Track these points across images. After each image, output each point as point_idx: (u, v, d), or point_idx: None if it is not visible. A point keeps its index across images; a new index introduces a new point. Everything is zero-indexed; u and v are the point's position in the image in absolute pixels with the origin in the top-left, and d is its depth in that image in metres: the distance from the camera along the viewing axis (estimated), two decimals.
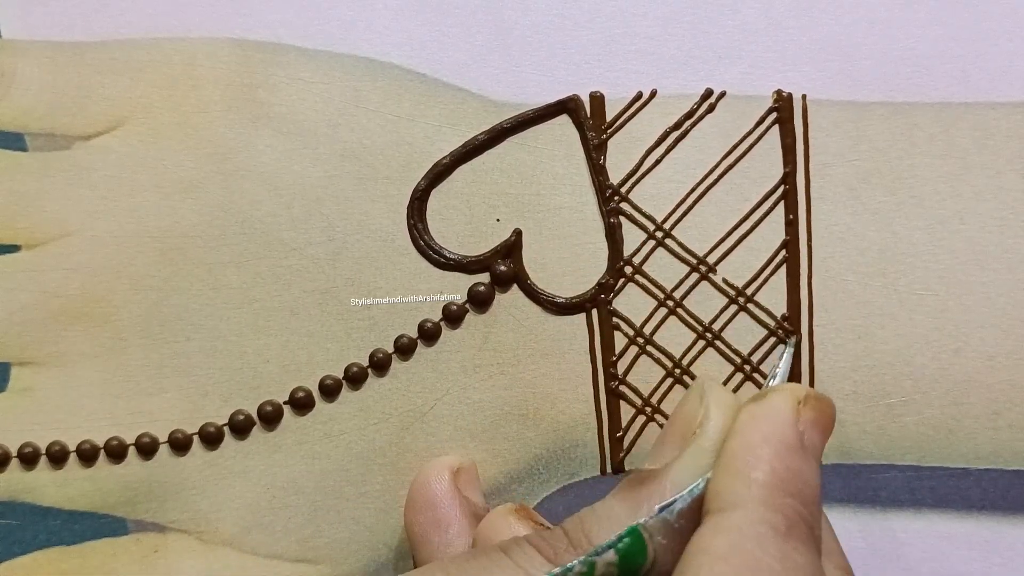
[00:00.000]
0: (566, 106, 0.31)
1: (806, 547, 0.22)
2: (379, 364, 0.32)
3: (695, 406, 0.25)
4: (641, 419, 0.32)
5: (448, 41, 0.31)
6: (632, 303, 0.32)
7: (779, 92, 0.31)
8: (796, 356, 0.31)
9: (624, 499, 0.24)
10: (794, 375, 0.31)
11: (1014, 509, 0.32)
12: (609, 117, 0.31)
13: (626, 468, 0.32)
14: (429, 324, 0.32)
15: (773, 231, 0.31)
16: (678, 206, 0.31)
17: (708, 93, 0.31)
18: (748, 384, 0.32)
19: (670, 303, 0.32)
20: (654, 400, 0.32)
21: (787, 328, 0.31)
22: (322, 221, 0.32)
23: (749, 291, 0.31)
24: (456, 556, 0.24)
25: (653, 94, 0.31)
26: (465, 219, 0.32)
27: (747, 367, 0.32)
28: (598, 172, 0.31)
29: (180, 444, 0.32)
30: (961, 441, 0.32)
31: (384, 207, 0.32)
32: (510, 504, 0.29)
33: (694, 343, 0.32)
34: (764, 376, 0.32)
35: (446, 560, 0.24)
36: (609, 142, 0.31)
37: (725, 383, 0.32)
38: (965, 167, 0.31)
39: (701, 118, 0.31)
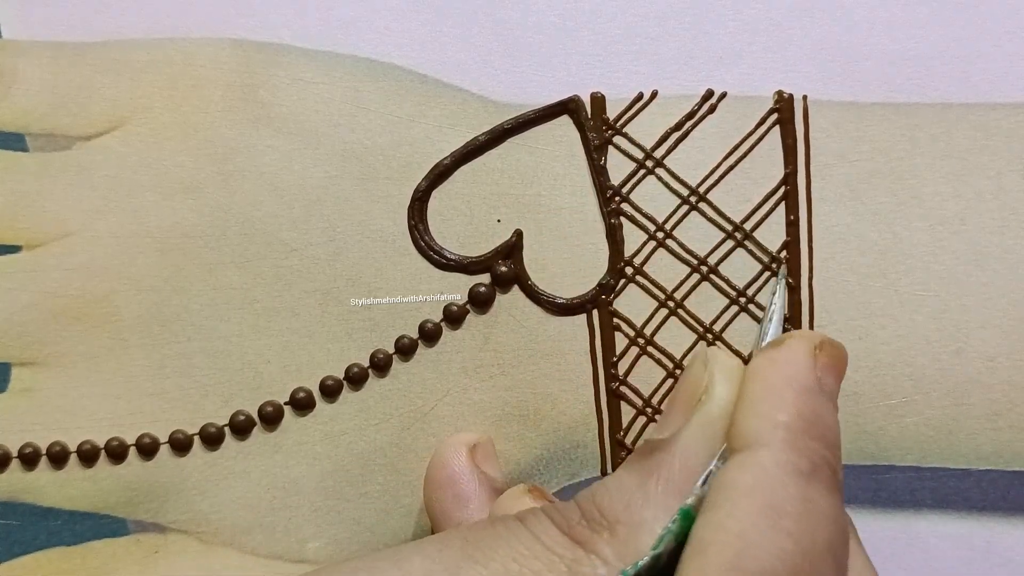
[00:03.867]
0: (567, 107, 0.31)
1: (828, 490, 0.22)
2: (380, 364, 0.32)
3: (699, 373, 0.25)
4: (642, 420, 0.32)
5: (449, 42, 0.31)
6: (633, 304, 0.32)
7: (780, 93, 0.31)
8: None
9: (634, 470, 0.24)
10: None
11: (1014, 510, 0.32)
12: (610, 118, 0.31)
13: None
14: (430, 325, 0.32)
15: (774, 232, 0.31)
16: (679, 207, 0.31)
17: (709, 94, 0.31)
18: None
19: (671, 304, 0.32)
20: (655, 401, 0.32)
21: (775, 257, 0.31)
22: (323, 221, 0.32)
23: (750, 292, 0.31)
24: (474, 524, 0.24)
25: (654, 95, 0.31)
26: (466, 220, 0.32)
27: None
28: (599, 173, 0.31)
29: (181, 444, 0.32)
30: (962, 442, 0.32)
31: (385, 207, 0.32)
32: (524, 484, 0.29)
33: (695, 344, 0.32)
34: None
35: (463, 527, 0.24)
36: (610, 143, 0.31)
37: None
38: (966, 168, 0.31)
39: (702, 119, 0.31)
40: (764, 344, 0.28)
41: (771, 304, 0.31)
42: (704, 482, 0.23)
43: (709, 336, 0.32)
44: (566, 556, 0.22)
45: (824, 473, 0.22)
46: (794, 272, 0.31)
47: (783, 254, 0.31)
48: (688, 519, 0.22)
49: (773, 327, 0.30)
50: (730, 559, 0.20)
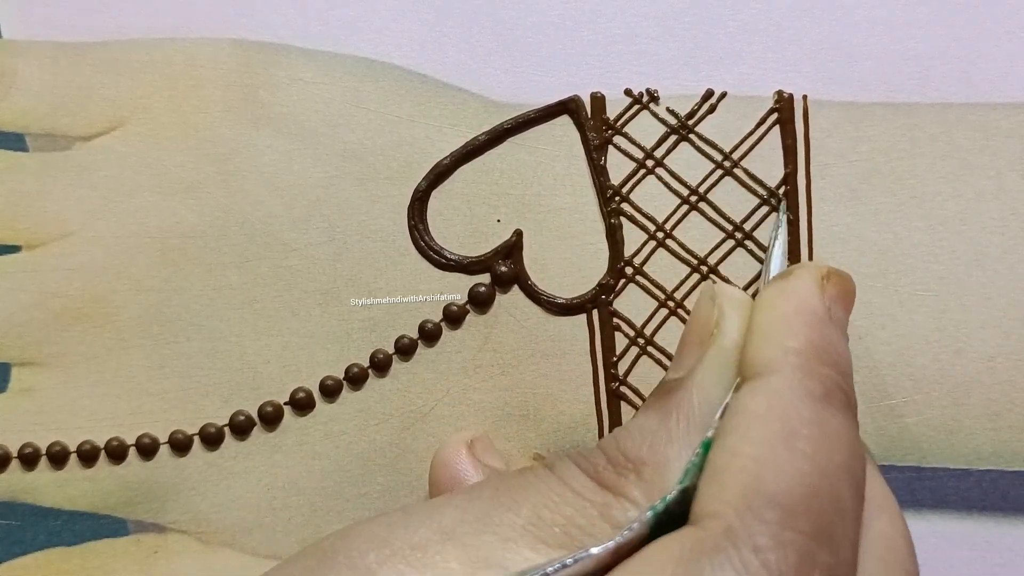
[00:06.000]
0: (567, 107, 0.31)
1: (843, 414, 0.22)
2: (380, 365, 0.32)
3: (708, 309, 0.25)
4: None
5: (449, 42, 0.31)
6: (633, 304, 0.32)
7: (780, 93, 0.31)
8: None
9: (653, 411, 0.24)
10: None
11: (1015, 510, 0.32)
12: (610, 118, 0.31)
13: None
14: (430, 325, 0.32)
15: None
16: (679, 207, 0.31)
17: (709, 94, 0.31)
18: None
19: (671, 304, 0.32)
20: None
21: (773, 192, 0.31)
22: (323, 222, 0.32)
23: (750, 292, 0.31)
24: (503, 473, 0.24)
25: (654, 95, 0.31)
26: (466, 220, 0.32)
27: None
28: (599, 173, 0.31)
29: (180, 445, 0.32)
30: (962, 442, 0.32)
31: (385, 208, 0.32)
32: (532, 452, 0.29)
33: None
34: None
35: (493, 477, 0.24)
36: (610, 143, 0.31)
37: None
38: (966, 168, 0.31)
39: (702, 119, 0.31)
40: (770, 278, 0.27)
41: (773, 239, 0.30)
42: (722, 415, 0.23)
43: None
44: (596, 501, 0.22)
45: (837, 397, 0.22)
46: None
47: (782, 190, 0.31)
48: (710, 451, 0.22)
49: (777, 261, 0.30)
50: (747, 482, 0.20)
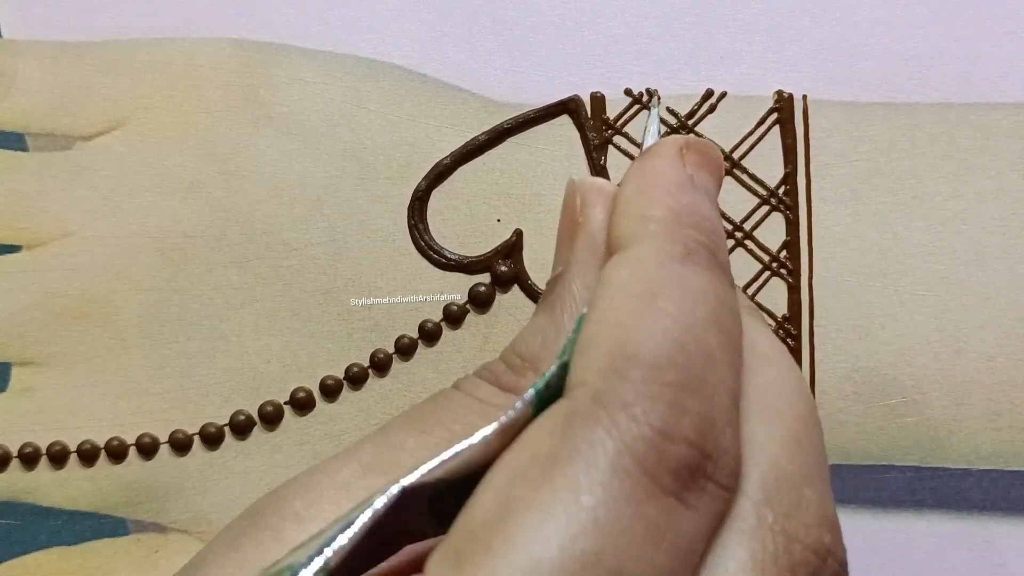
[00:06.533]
0: (567, 106, 0.31)
1: (708, 271, 0.22)
2: (380, 364, 0.32)
3: (573, 200, 0.25)
4: None
5: (449, 42, 0.31)
6: None
7: (780, 92, 0.31)
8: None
9: (541, 311, 0.24)
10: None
11: (1015, 509, 0.32)
12: (610, 117, 0.31)
13: None
14: (430, 324, 0.32)
15: (774, 232, 0.31)
16: None
17: (709, 93, 0.31)
18: None
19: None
20: None
21: (649, 91, 0.31)
22: (323, 221, 0.32)
23: (750, 292, 0.31)
24: (415, 404, 0.24)
25: (654, 94, 0.31)
26: (466, 219, 0.32)
27: None
28: (599, 172, 0.31)
29: (181, 444, 0.32)
30: (962, 442, 0.32)
31: (385, 207, 0.32)
32: None
33: None
34: None
35: (408, 409, 0.24)
36: (610, 142, 0.31)
37: None
38: (966, 168, 0.31)
39: (702, 118, 0.31)
40: None
41: (645, 132, 0.30)
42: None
43: None
44: (501, 404, 0.22)
45: (701, 255, 0.22)
46: (794, 272, 0.31)
47: (655, 95, 0.30)
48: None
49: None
50: (613, 348, 0.20)
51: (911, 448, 0.32)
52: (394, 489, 0.20)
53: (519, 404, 0.21)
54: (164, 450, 0.32)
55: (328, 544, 0.19)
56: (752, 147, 0.31)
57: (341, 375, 0.32)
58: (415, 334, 0.32)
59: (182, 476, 0.32)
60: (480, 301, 0.32)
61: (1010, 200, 0.31)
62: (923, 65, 0.31)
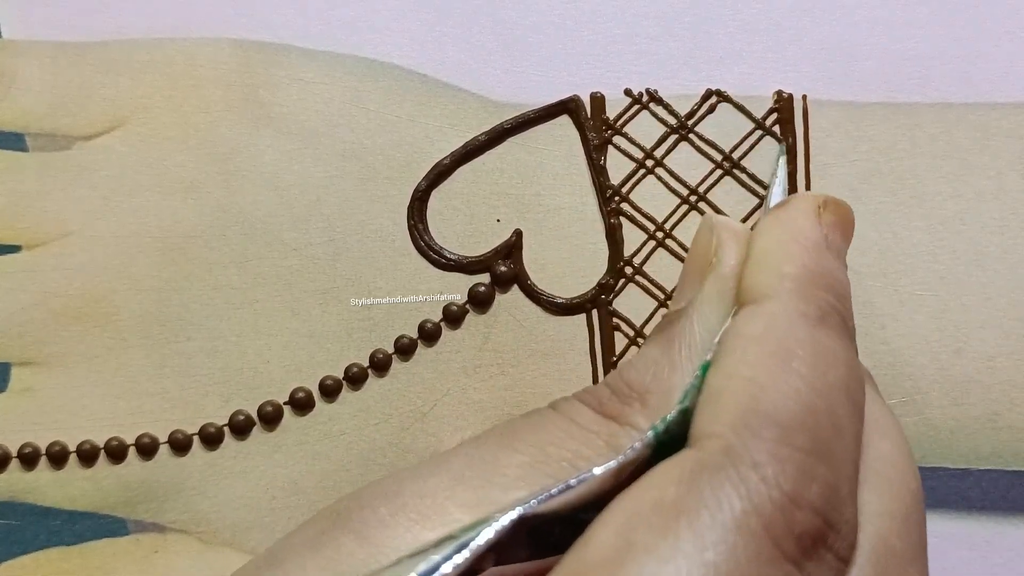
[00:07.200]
0: (567, 106, 0.31)
1: (839, 336, 0.22)
2: (379, 364, 0.32)
3: (707, 239, 0.25)
4: None
5: (449, 41, 0.31)
6: (632, 304, 0.32)
7: (779, 92, 0.31)
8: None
9: (656, 342, 0.24)
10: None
11: (1014, 509, 0.32)
12: (610, 117, 0.31)
13: None
14: (429, 324, 0.32)
15: None
16: (679, 207, 0.31)
17: (709, 94, 0.31)
18: None
19: (671, 304, 0.32)
20: None
21: (773, 133, 0.31)
22: (323, 221, 0.32)
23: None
24: (510, 420, 0.24)
25: (654, 95, 0.31)
26: (465, 219, 0.32)
27: None
28: (598, 172, 0.31)
29: (180, 444, 0.32)
30: (961, 441, 0.32)
31: (385, 207, 0.32)
32: None
33: None
34: None
35: (500, 423, 0.24)
36: (609, 142, 0.31)
37: None
38: (966, 168, 0.31)
39: (702, 119, 0.31)
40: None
41: (773, 174, 0.30)
42: (720, 340, 0.23)
43: None
44: (602, 432, 0.22)
45: (833, 319, 0.22)
46: None
47: (777, 128, 0.31)
48: (707, 373, 0.22)
49: (776, 196, 0.30)
50: (744, 402, 0.20)
51: (911, 448, 0.32)
52: (512, 515, 0.19)
53: (638, 445, 0.20)
54: (164, 450, 0.32)
55: (444, 561, 0.19)
56: (752, 147, 0.31)
57: (341, 375, 0.32)
58: (415, 334, 0.32)
59: (182, 476, 0.32)
60: (480, 301, 0.32)
61: (1010, 200, 0.31)
62: (923, 65, 0.31)
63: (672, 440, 0.21)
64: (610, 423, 0.23)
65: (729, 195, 0.31)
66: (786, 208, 0.25)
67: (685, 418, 0.21)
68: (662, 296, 0.32)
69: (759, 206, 0.31)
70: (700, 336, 0.23)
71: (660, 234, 0.32)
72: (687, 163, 0.31)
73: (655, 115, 0.31)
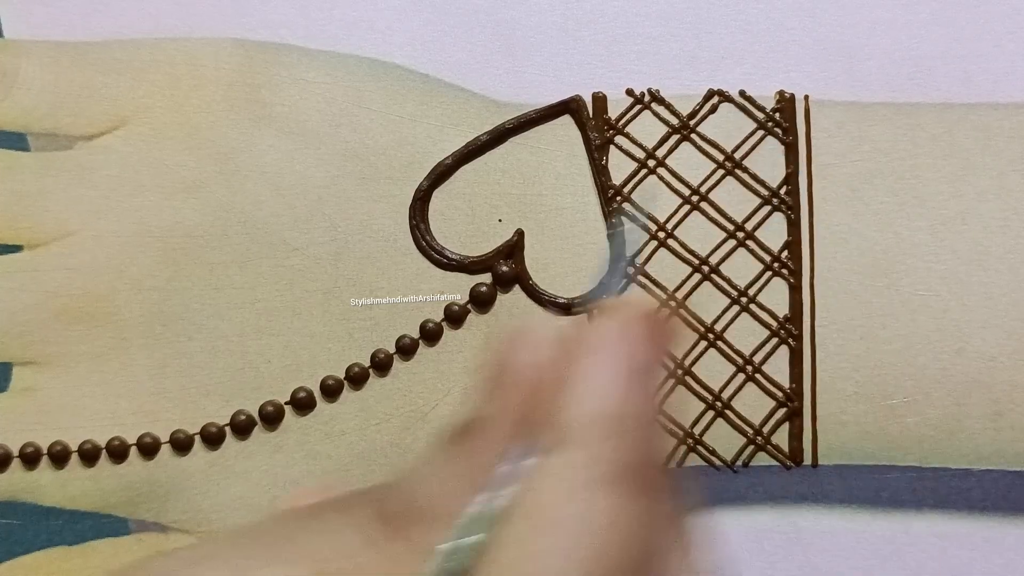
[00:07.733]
0: (568, 106, 0.31)
1: (632, 497, 0.21)
2: (381, 364, 0.32)
3: (508, 349, 0.22)
4: None
5: (451, 42, 0.31)
6: None
7: (781, 93, 0.31)
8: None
9: (446, 454, 0.23)
10: (796, 375, 0.31)
11: (1015, 509, 0.32)
12: (611, 117, 0.31)
13: None
14: (431, 324, 0.32)
15: (775, 232, 0.31)
16: (680, 207, 0.31)
17: (711, 94, 0.31)
18: (749, 385, 0.32)
19: (672, 303, 0.32)
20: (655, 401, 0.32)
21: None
22: (324, 221, 0.32)
23: (751, 292, 0.31)
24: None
25: (656, 95, 0.31)
26: (467, 219, 0.32)
27: (749, 368, 0.32)
28: (600, 172, 0.31)
29: (182, 444, 0.32)
30: (963, 442, 0.32)
31: (386, 207, 0.32)
32: None
33: (696, 344, 0.32)
34: (765, 377, 0.32)
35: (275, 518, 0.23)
36: (611, 142, 0.31)
37: (726, 383, 0.32)
38: (968, 168, 0.31)
39: (703, 119, 0.31)
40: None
41: (622, 242, 0.30)
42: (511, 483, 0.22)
43: (711, 336, 0.32)
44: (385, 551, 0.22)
45: (628, 475, 0.21)
46: (796, 273, 0.31)
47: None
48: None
49: (615, 274, 0.30)
50: None
51: (912, 448, 0.32)
52: None
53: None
54: (165, 450, 0.32)
55: None
56: (754, 147, 0.31)
57: (342, 375, 0.32)
58: (416, 334, 0.32)
59: (183, 476, 0.32)
60: (481, 301, 0.32)
61: (1011, 200, 0.31)
62: (924, 65, 0.31)
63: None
64: (395, 543, 0.22)
65: (731, 195, 0.31)
66: (591, 349, 0.22)
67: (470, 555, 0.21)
68: (663, 296, 0.32)
69: (759, 207, 0.31)
70: (498, 468, 0.22)
71: (662, 234, 0.32)
72: (689, 163, 0.31)
73: (657, 115, 0.31)
